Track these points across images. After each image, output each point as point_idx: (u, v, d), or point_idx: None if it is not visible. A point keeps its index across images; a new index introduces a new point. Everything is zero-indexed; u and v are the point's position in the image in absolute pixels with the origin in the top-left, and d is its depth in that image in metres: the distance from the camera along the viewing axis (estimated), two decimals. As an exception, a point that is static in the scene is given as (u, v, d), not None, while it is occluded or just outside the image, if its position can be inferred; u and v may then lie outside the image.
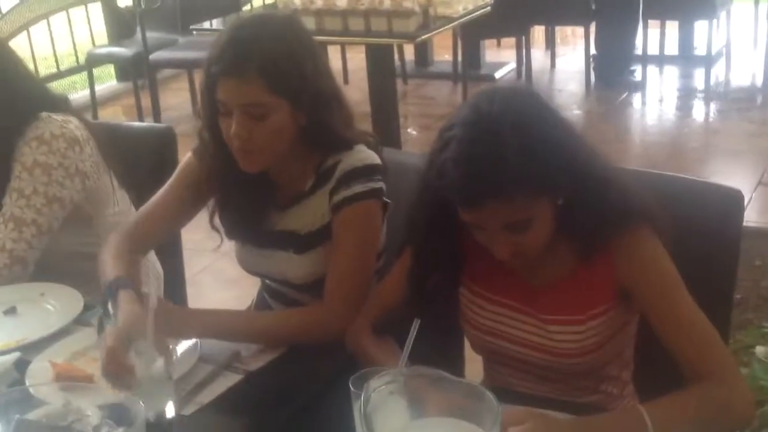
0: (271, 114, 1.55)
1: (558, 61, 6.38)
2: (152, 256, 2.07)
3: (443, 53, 6.38)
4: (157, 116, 5.45)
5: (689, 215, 1.51)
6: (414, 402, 1.14)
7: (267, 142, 1.57)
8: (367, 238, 1.65)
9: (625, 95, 5.62)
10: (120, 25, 6.18)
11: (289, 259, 1.71)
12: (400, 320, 1.31)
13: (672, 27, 6.08)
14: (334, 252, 1.63)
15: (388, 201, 1.69)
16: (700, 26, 5.92)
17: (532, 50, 5.93)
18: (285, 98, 1.56)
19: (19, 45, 5.78)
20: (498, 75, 6.07)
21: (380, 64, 4.35)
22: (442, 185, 1.27)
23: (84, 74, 5.92)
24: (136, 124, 2.36)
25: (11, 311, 1.71)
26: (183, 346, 1.51)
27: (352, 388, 1.17)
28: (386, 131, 4.37)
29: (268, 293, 1.90)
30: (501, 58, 6.50)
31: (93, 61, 5.71)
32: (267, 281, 1.89)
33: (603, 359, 1.43)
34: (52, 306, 1.72)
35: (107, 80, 6.62)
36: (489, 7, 4.40)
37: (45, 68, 6.10)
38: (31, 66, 5.86)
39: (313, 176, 1.68)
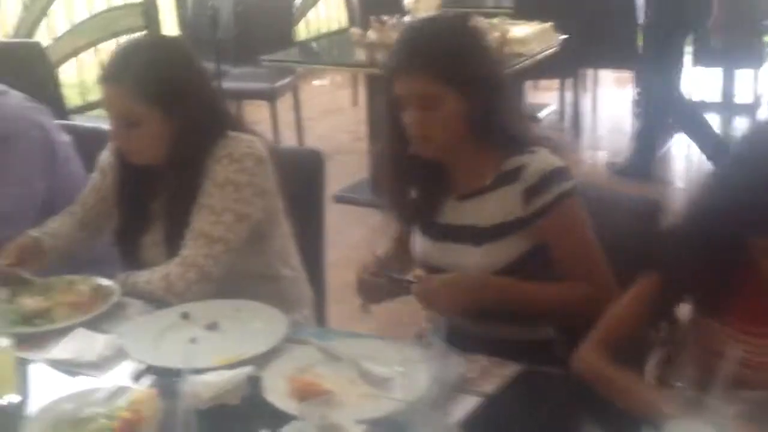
0: (443, 104, 1.67)
1: (598, 104, 6.46)
2: None
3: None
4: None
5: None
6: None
7: (440, 130, 1.70)
8: (587, 225, 1.74)
9: (669, 142, 5.67)
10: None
11: (467, 251, 1.75)
12: (632, 346, 1.33)
13: (713, 73, 6.17)
14: (566, 246, 1.72)
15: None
16: (742, 74, 6.02)
17: (568, 93, 6.00)
18: (454, 88, 1.68)
19: (67, 71, 5.83)
20: (540, 116, 6.13)
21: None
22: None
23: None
24: (284, 146, 2.35)
25: (213, 326, 1.70)
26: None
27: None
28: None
29: None
30: (540, 99, 6.57)
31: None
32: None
33: None
34: (255, 322, 1.70)
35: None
36: (557, 47, 4.47)
37: (93, 95, 6.10)
38: (80, 93, 5.94)
39: (494, 174, 1.75)
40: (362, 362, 1.51)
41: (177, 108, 1.85)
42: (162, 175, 1.92)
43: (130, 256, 2.01)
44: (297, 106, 5.68)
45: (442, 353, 1.37)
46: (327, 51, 5.57)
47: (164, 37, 2.06)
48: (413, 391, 1.39)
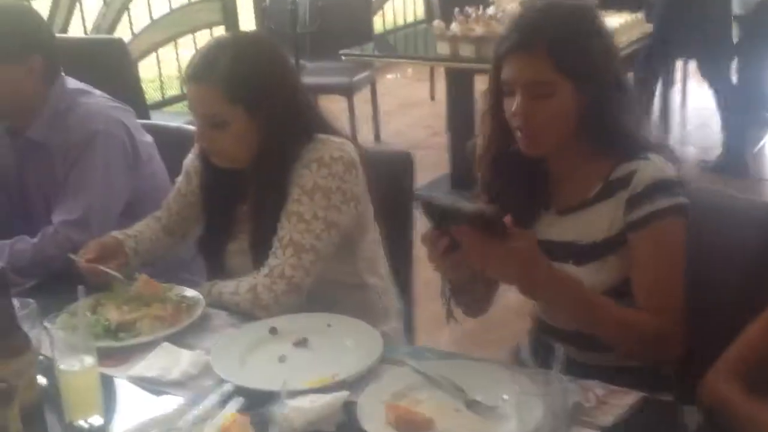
0: (555, 94, 1.54)
1: (688, 98, 6.19)
2: None
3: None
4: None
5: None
6: None
7: (548, 123, 1.56)
8: (677, 255, 1.55)
9: (765, 137, 5.39)
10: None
11: (567, 270, 1.57)
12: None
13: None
14: (647, 271, 1.54)
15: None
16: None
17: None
18: (570, 78, 1.54)
19: (146, 66, 5.85)
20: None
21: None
22: None
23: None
24: (373, 148, 2.26)
25: (303, 343, 1.60)
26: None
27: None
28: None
29: None
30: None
31: (220, 84, 5.68)
32: None
33: None
34: (346, 339, 1.60)
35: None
36: (649, 39, 4.27)
37: (170, 89, 6.12)
38: (159, 88, 5.96)
39: (600, 183, 1.60)
40: (465, 388, 1.38)
41: (263, 108, 1.76)
42: (248, 179, 1.83)
43: (215, 263, 1.94)
44: (374, 101, 5.60)
45: (555, 379, 1.24)
46: (405, 44, 5.45)
47: (251, 35, 1.96)
48: (525, 423, 1.27)
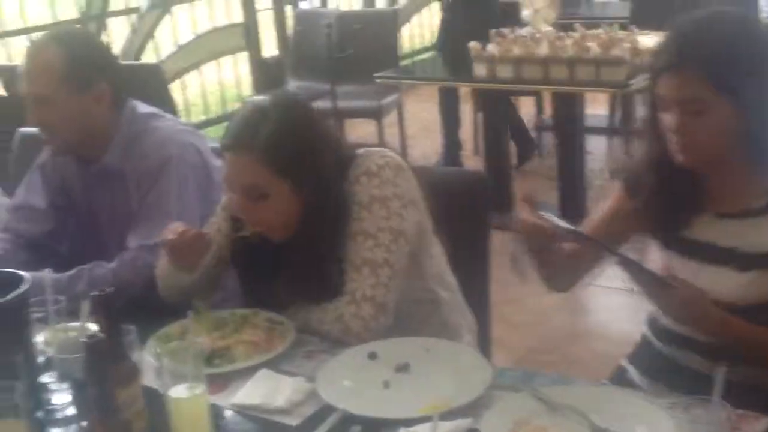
0: (710, 110, 1.52)
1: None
2: None
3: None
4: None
5: None
6: None
7: (704, 139, 1.54)
8: None
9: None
10: (265, 75, 6.19)
11: (727, 275, 1.58)
12: None
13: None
14: None
15: None
16: None
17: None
18: (726, 96, 1.52)
19: (172, 91, 5.84)
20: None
21: (570, 114, 4.24)
22: None
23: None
24: (449, 168, 2.23)
25: (404, 368, 1.56)
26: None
27: None
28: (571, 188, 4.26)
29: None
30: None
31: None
32: None
33: None
34: (449, 363, 1.55)
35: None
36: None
37: (194, 115, 6.12)
38: (184, 113, 5.95)
39: (766, 197, 1.58)
40: (591, 416, 1.34)
41: (308, 178, 1.68)
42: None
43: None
44: (401, 124, 5.58)
45: (718, 408, 1.20)
46: (429, 67, 5.44)
47: (288, 98, 1.86)
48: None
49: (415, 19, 7.95)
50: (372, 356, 1.59)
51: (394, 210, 1.72)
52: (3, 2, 4.79)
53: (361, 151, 1.78)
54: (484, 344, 2.08)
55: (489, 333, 2.14)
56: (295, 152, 1.68)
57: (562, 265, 1.71)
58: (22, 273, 1.51)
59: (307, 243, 1.72)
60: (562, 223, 1.61)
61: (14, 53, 5.04)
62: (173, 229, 1.75)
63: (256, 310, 1.78)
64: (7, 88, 4.26)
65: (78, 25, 5.15)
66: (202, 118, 6.12)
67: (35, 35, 4.85)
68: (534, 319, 3.51)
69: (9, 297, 1.41)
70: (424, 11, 8.00)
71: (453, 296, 1.93)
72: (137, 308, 1.78)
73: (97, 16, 5.33)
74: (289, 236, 1.74)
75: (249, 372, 1.57)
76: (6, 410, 1.26)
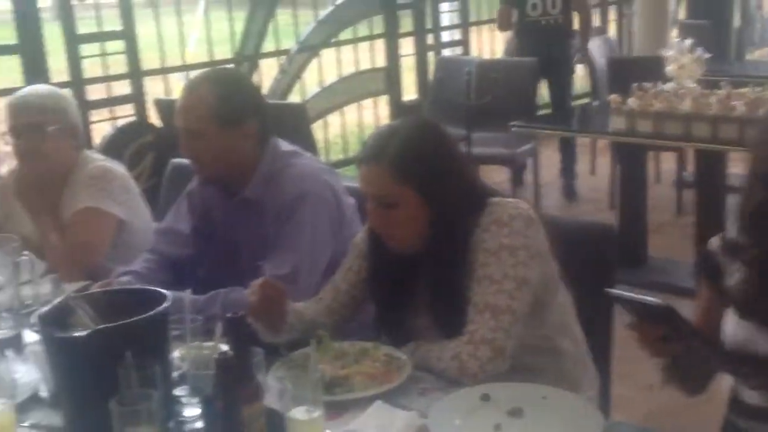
0: None
1: None
2: None
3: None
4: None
5: None
6: None
7: None
8: None
9: None
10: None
11: None
12: None
13: None
14: None
15: None
16: None
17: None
18: None
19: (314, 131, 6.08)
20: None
21: (712, 173, 4.13)
22: None
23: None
24: (579, 219, 2.26)
25: (518, 413, 1.57)
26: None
27: None
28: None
29: None
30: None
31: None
32: None
33: None
34: (564, 412, 1.56)
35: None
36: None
37: (333, 153, 6.33)
38: (324, 152, 6.17)
39: None
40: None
41: (433, 190, 1.79)
42: (422, 259, 1.84)
43: (398, 340, 1.90)
44: (536, 172, 5.58)
45: None
46: (570, 118, 5.43)
47: (420, 120, 2.02)
48: None
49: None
50: (485, 398, 1.62)
51: (521, 259, 1.76)
52: (166, 41, 5.14)
53: (494, 199, 1.84)
54: (604, 401, 2.06)
55: (609, 390, 2.12)
56: (420, 163, 1.79)
57: (683, 361, 1.68)
58: (164, 291, 1.63)
59: (437, 259, 1.81)
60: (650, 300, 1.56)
61: (172, 88, 5.40)
62: (255, 286, 1.83)
63: (376, 343, 1.84)
64: (164, 120, 4.57)
65: (232, 65, 5.47)
66: (341, 156, 6.32)
67: (193, 72, 5.21)
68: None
69: (152, 312, 1.53)
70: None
71: (576, 348, 1.93)
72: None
73: (250, 56, 5.63)
74: (417, 249, 1.82)
75: (365, 402, 1.63)
76: (142, 416, 1.36)
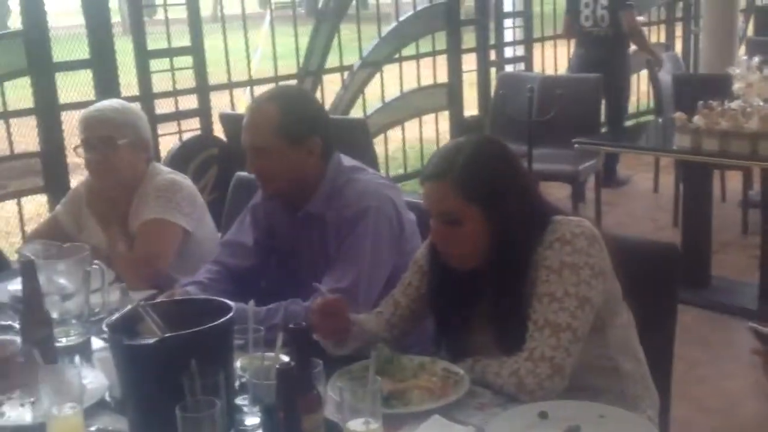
0: None
1: None
2: None
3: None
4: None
5: None
6: None
7: None
8: None
9: None
10: (464, 134, 6.31)
11: None
12: None
13: None
14: None
15: None
16: None
17: None
18: None
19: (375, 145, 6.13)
20: None
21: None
22: None
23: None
24: (642, 238, 2.24)
25: (574, 431, 1.57)
26: None
27: None
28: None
29: None
30: None
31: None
32: None
33: None
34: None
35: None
36: None
37: (393, 169, 6.36)
38: (383, 168, 6.21)
39: None
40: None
41: (497, 208, 1.79)
42: (484, 276, 1.85)
43: (456, 354, 1.92)
44: (598, 190, 5.52)
45: None
46: (634, 135, 5.37)
47: (485, 138, 2.03)
48: None
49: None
50: (543, 415, 1.62)
51: (583, 278, 1.76)
52: (231, 56, 5.25)
53: (557, 217, 1.84)
54: (663, 422, 2.04)
55: (669, 411, 2.09)
56: (485, 181, 1.80)
57: None
58: (229, 302, 1.67)
59: (499, 275, 1.82)
60: None
61: (237, 103, 5.50)
62: (315, 305, 1.88)
63: (434, 358, 1.86)
64: (228, 134, 4.66)
65: (295, 81, 5.55)
66: (400, 172, 6.36)
67: (258, 87, 5.32)
68: (723, 404, 3.33)
69: (218, 322, 1.57)
70: (632, 78, 7.90)
71: (637, 368, 1.92)
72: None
73: (313, 72, 5.71)
74: (478, 265, 1.84)
75: (422, 416, 1.64)
76: (205, 423, 1.40)
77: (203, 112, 4.98)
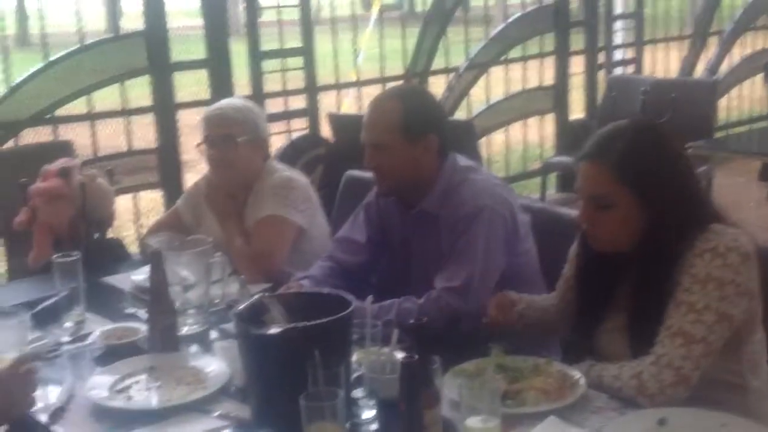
0: None
1: None
2: None
3: None
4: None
5: None
6: None
7: None
8: None
9: None
10: (570, 137, 6.25)
11: None
12: None
13: None
14: None
15: None
16: None
17: None
18: None
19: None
20: None
21: None
22: None
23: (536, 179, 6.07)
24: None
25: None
26: None
27: None
28: None
29: None
30: None
31: (548, 169, 5.80)
32: None
33: None
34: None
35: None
36: None
37: (495, 171, 6.32)
38: (485, 167, 6.19)
39: None
40: None
41: (652, 194, 1.77)
42: (631, 263, 1.84)
43: (585, 343, 1.94)
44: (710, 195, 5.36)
45: None
46: (749, 139, 5.19)
47: (648, 121, 1.98)
48: None
49: (734, 90, 7.62)
50: (662, 422, 1.59)
51: (727, 294, 1.72)
52: (339, 59, 5.33)
53: (717, 226, 1.79)
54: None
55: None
56: (644, 167, 1.78)
57: None
58: (348, 297, 1.71)
59: (644, 264, 1.80)
60: None
61: (344, 103, 5.58)
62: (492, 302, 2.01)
63: (549, 359, 1.85)
64: (335, 133, 4.73)
65: (402, 82, 5.59)
66: (502, 174, 6.31)
67: (366, 88, 5.37)
68: None
69: (341, 315, 1.61)
70: (746, 83, 7.65)
71: (765, 385, 1.86)
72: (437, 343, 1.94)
73: (420, 73, 5.73)
74: (623, 251, 1.83)
75: (537, 417, 1.63)
76: (328, 413, 1.43)
77: (311, 111, 5.07)
